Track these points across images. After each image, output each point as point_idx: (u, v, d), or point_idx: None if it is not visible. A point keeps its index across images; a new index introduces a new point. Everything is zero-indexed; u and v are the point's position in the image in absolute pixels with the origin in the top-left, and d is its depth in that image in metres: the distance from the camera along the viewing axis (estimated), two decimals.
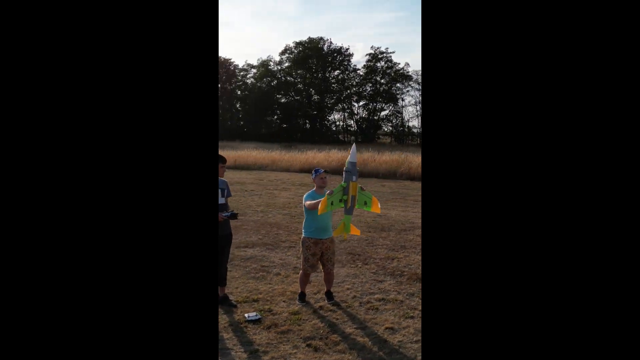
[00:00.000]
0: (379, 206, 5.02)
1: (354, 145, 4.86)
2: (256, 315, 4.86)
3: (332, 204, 4.76)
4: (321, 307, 5.19)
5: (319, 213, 4.81)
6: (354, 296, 5.54)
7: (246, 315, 4.85)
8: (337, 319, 4.89)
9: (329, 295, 5.36)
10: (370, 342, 4.35)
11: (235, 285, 5.86)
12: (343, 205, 4.84)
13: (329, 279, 5.38)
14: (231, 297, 5.34)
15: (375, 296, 5.52)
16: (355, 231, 5.14)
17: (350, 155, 4.69)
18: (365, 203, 4.95)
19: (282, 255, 7.39)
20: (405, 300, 5.42)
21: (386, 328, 4.65)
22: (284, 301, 5.35)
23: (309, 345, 4.24)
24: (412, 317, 4.91)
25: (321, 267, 5.37)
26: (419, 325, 4.70)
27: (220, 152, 4.73)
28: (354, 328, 4.66)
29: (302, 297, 5.30)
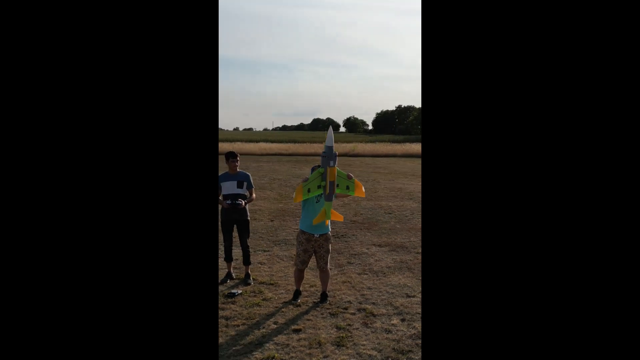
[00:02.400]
0: (364, 190, 4.88)
1: (330, 128, 4.85)
2: (236, 292, 5.64)
3: (309, 191, 4.83)
4: (296, 302, 5.42)
5: (294, 201, 5.08)
6: (348, 301, 5.42)
7: (234, 292, 5.70)
8: (283, 313, 5.10)
9: (323, 296, 5.38)
10: (257, 334, 4.54)
11: (289, 272, 6.57)
12: (322, 192, 4.89)
13: (323, 278, 5.41)
14: (251, 277, 6.20)
15: (367, 305, 5.26)
16: (337, 217, 5.07)
17: (327, 139, 4.68)
18: (348, 187, 4.87)
19: (395, 257, 7.33)
20: (384, 315, 5.02)
21: (294, 329, 4.67)
22: (287, 290, 5.81)
23: None
24: (342, 328, 4.66)
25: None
26: (328, 336, 4.51)
27: None
28: (274, 322, 4.84)
29: (296, 294, 5.40)
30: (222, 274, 6.24)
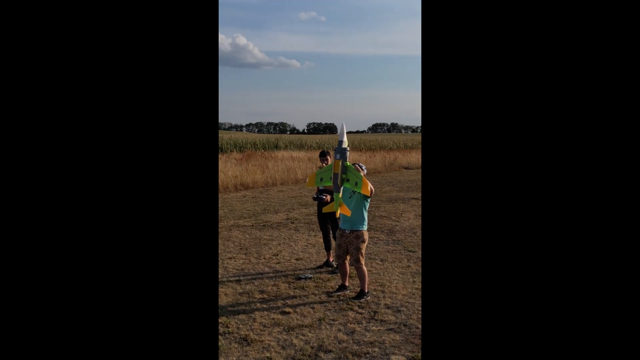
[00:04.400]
0: (369, 189, 4.97)
1: (342, 124, 5.17)
2: (306, 275, 6.24)
3: (321, 180, 5.27)
4: (332, 294, 5.61)
5: (306, 186, 5.60)
6: (377, 303, 5.24)
7: (305, 275, 6.31)
8: (305, 298, 5.46)
9: (359, 294, 5.38)
10: (249, 307, 5.17)
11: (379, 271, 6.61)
12: (330, 183, 5.21)
13: (358, 275, 5.42)
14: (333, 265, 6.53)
15: (385, 310, 5.03)
16: (345, 211, 5.16)
17: (339, 134, 5.12)
18: (356, 184, 5.03)
19: None
20: (381, 321, 4.81)
21: (283, 312, 5.03)
22: (352, 284, 6.01)
23: (242, 292, 5.73)
24: (320, 320, 4.80)
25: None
26: (296, 323, 4.74)
27: None
28: (283, 303, 5.30)
29: (339, 288, 5.60)
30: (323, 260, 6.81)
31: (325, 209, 5.38)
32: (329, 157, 6.57)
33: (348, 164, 5.01)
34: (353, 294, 5.46)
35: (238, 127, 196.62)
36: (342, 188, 5.09)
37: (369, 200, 5.36)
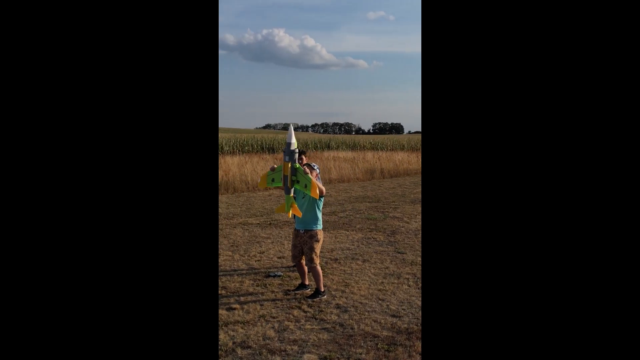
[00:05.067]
0: (317, 192, 5.01)
1: (290, 126, 5.21)
2: (276, 273, 6.29)
3: (272, 181, 5.34)
4: (290, 292, 5.64)
5: (258, 186, 5.62)
6: (328, 302, 5.25)
7: (275, 272, 6.36)
8: (262, 295, 5.53)
9: (314, 293, 5.38)
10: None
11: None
12: (284, 184, 5.23)
13: (312, 275, 5.39)
14: None
15: (331, 310, 5.04)
16: (296, 212, 5.18)
17: (287, 136, 5.09)
18: (306, 186, 5.07)
19: None
20: (320, 320, 4.81)
21: (230, 307, 5.18)
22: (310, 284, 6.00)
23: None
24: (261, 317, 4.88)
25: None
26: (236, 317, 4.83)
27: None
28: (236, 300, 5.40)
29: (299, 286, 5.62)
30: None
31: (276, 210, 5.37)
32: (304, 157, 6.54)
33: (297, 165, 5.04)
34: (311, 292, 5.42)
35: (304, 128, 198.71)
36: (292, 189, 5.09)
37: (322, 200, 5.33)
